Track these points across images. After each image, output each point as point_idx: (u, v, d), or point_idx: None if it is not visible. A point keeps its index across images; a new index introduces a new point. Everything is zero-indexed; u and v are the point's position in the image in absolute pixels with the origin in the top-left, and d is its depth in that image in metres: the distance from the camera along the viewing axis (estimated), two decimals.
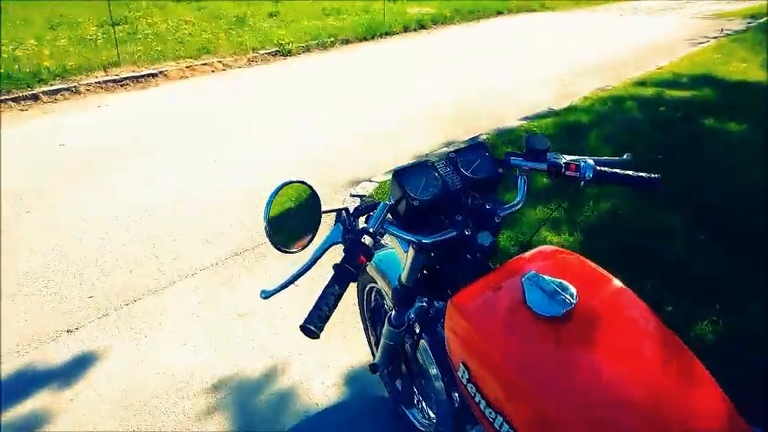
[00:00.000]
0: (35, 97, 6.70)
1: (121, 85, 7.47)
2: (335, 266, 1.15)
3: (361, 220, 1.41)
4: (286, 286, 1.28)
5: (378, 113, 6.25)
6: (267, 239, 1.30)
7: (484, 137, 5.23)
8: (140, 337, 2.77)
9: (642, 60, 8.48)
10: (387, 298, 1.84)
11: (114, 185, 4.47)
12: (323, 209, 1.37)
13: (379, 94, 7.11)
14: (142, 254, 3.50)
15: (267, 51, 9.23)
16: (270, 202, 1.29)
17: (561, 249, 1.36)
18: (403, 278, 1.49)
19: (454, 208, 1.36)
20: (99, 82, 7.34)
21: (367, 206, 1.43)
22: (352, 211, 1.38)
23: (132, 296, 3.09)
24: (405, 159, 4.90)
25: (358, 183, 4.46)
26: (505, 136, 5.15)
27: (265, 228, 1.29)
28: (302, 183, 1.35)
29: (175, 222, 3.89)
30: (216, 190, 4.38)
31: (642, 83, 6.85)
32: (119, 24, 10.09)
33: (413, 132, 5.62)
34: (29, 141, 5.46)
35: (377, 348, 2.10)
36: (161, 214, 4.00)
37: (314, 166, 4.81)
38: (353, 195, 4.23)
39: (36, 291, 3.13)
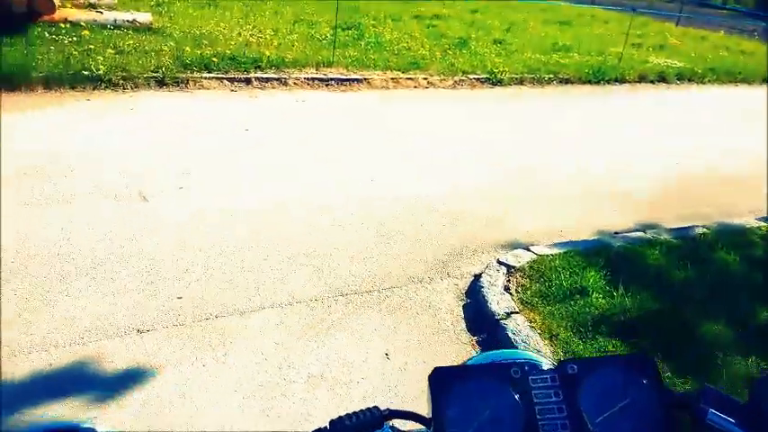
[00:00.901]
0: (248, 81, 7.14)
1: (326, 85, 7.64)
2: None
3: None
4: None
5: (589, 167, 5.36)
6: None
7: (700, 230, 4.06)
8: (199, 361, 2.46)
9: None
10: None
11: (262, 177, 4.37)
12: None
13: (585, 145, 6.17)
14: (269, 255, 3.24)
15: (476, 77, 8.78)
16: None
17: None
18: None
19: None
20: (307, 78, 7.59)
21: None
22: None
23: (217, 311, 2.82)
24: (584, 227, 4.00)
25: (512, 247, 3.73)
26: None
27: None
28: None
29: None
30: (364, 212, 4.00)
31: None
32: (349, 29, 10.51)
33: (619, 204, 4.64)
34: (219, 119, 5.73)
35: None
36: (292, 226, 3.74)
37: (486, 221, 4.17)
38: (500, 263, 3.52)
39: (134, 272, 3.04)
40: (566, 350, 2.70)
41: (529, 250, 3.69)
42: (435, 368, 0.79)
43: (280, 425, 2.24)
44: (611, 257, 3.54)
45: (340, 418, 0.79)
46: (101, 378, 2.34)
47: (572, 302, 3.09)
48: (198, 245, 3.40)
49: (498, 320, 2.96)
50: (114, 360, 2.44)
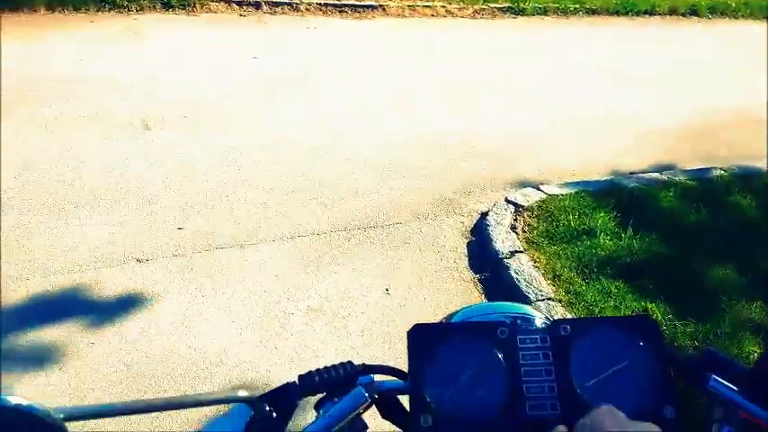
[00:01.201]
0: (257, 5, 6.85)
1: (339, 11, 7.32)
2: None
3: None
4: None
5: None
6: None
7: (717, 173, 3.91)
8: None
9: None
10: None
11: (269, 109, 4.26)
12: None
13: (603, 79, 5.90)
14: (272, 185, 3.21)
15: (498, 6, 8.34)
16: None
17: None
18: None
19: None
20: (320, 4, 7.26)
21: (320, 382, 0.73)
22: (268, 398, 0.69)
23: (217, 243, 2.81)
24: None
25: (522, 185, 3.64)
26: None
27: None
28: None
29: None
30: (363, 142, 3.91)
31: None
32: None
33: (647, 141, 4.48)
34: (226, 45, 5.54)
35: None
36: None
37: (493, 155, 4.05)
38: (509, 201, 3.44)
39: (134, 202, 3.03)
40: (568, 290, 2.67)
41: (539, 189, 3.59)
42: (415, 325, 0.74)
43: (277, 356, 2.27)
44: (622, 198, 3.44)
45: (309, 372, 0.73)
46: (98, 305, 2.37)
47: (578, 243, 3.03)
48: (200, 176, 3.36)
49: (502, 259, 2.92)
50: (113, 288, 2.46)
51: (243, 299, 2.51)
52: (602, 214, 3.28)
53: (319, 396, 0.73)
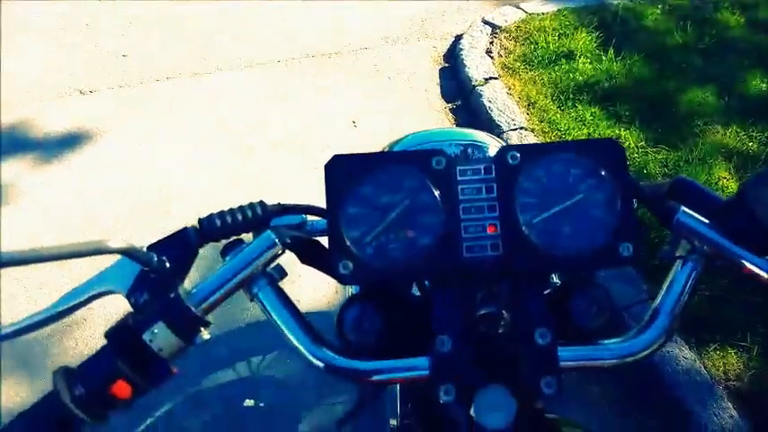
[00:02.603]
0: None
1: None
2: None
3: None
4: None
5: None
6: None
7: None
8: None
9: None
10: None
11: None
12: None
13: None
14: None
15: None
16: None
17: None
18: None
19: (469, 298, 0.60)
20: None
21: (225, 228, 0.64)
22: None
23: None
24: None
25: (501, 3, 3.33)
26: None
27: None
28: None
29: None
30: None
31: None
32: None
33: None
34: None
35: None
36: None
37: None
38: (485, 22, 3.16)
39: (76, 28, 2.70)
40: (542, 118, 2.57)
41: (519, 8, 3.30)
42: (334, 156, 0.61)
43: (239, 192, 2.20)
44: (606, 17, 3.19)
45: (210, 215, 0.63)
46: (42, 140, 2.21)
47: (556, 68, 2.86)
48: None
49: (475, 87, 2.76)
50: (56, 122, 2.27)
51: (199, 132, 2.36)
52: (584, 35, 3.06)
53: (225, 242, 0.63)
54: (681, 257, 0.64)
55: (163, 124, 2.36)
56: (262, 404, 1.67)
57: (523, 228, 0.59)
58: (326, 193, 0.60)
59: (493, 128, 2.52)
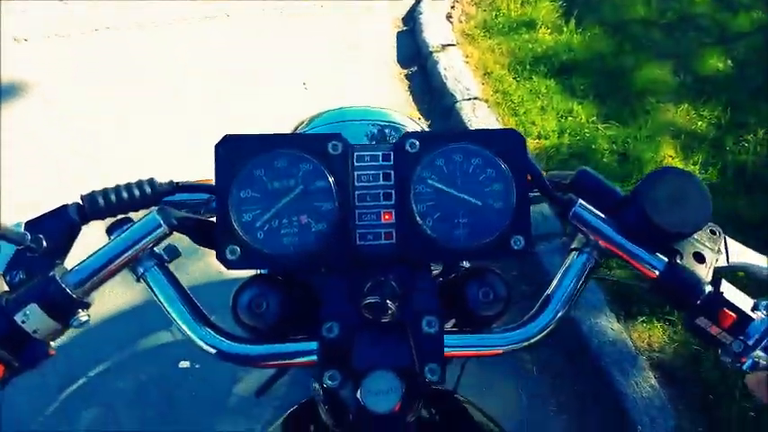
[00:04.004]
0: None
1: None
2: None
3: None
4: None
5: None
6: None
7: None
8: None
9: None
10: None
11: None
12: None
13: None
14: None
15: None
16: None
17: None
18: None
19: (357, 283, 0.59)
20: None
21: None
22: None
23: None
24: None
25: None
26: None
27: None
28: None
29: None
30: None
31: None
32: None
33: None
34: None
35: None
36: None
37: None
38: None
39: None
40: (496, 89, 2.54)
41: None
42: (226, 136, 0.59)
43: (179, 160, 2.12)
44: None
45: (93, 192, 0.60)
46: None
47: (516, 37, 2.82)
48: None
49: (432, 53, 2.70)
50: None
51: (139, 89, 2.26)
52: (547, 3, 3.01)
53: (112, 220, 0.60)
54: (575, 249, 0.65)
55: (96, 80, 2.25)
56: (197, 366, 1.66)
57: (417, 217, 0.59)
58: (215, 174, 0.59)
59: (446, 96, 2.48)
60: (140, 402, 1.58)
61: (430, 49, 2.70)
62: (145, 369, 1.64)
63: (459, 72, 2.59)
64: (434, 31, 2.80)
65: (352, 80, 2.57)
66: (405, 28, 2.91)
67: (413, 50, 2.80)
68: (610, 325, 1.72)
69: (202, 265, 1.72)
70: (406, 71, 2.71)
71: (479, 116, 2.35)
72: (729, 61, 2.73)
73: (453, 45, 2.74)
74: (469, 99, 2.45)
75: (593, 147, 2.25)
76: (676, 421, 1.54)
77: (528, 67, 2.64)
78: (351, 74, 2.60)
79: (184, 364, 1.66)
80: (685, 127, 2.41)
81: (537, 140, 2.27)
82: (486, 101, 2.47)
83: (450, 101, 2.44)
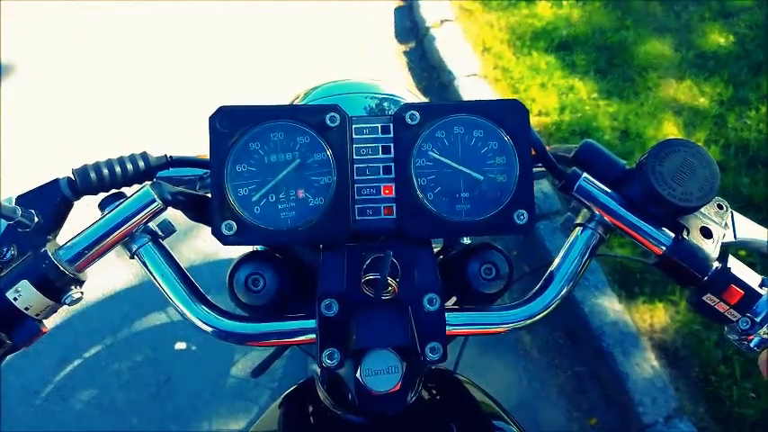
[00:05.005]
0: None
1: None
2: None
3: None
4: None
5: None
6: None
7: None
8: None
9: None
10: None
11: None
12: None
13: None
14: None
15: None
16: None
17: None
18: None
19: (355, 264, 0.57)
20: None
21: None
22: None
23: None
24: None
25: None
26: None
27: None
28: None
29: None
30: None
31: None
32: None
33: None
34: None
35: None
36: None
37: None
38: None
39: None
40: (495, 65, 2.49)
41: None
42: (220, 107, 0.56)
43: (176, 131, 2.08)
44: None
45: (85, 166, 0.57)
46: None
47: (515, 11, 2.76)
48: None
49: (430, 29, 2.65)
50: None
51: (141, 60, 2.22)
52: None
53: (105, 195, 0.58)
54: (580, 225, 0.62)
55: (84, 54, 2.20)
56: (194, 347, 1.64)
57: (418, 191, 0.57)
58: (210, 147, 0.56)
59: (445, 74, 2.44)
60: (136, 384, 1.57)
61: (427, 25, 2.65)
62: (140, 350, 1.63)
63: (458, 48, 2.54)
64: (432, 6, 2.74)
65: (349, 57, 2.52)
66: (402, 3, 2.85)
67: (410, 26, 2.74)
68: (611, 305, 1.70)
69: (196, 244, 1.70)
70: (404, 47, 2.66)
71: (478, 93, 2.31)
72: (731, 36, 2.68)
73: (451, 21, 2.69)
74: (468, 75, 2.40)
75: (595, 123, 2.22)
76: (678, 402, 1.53)
77: (528, 42, 2.59)
78: (347, 50, 2.55)
79: (180, 345, 1.64)
80: (688, 103, 2.37)
81: (537, 117, 2.24)
82: (485, 77, 2.42)
83: (449, 77, 2.40)
